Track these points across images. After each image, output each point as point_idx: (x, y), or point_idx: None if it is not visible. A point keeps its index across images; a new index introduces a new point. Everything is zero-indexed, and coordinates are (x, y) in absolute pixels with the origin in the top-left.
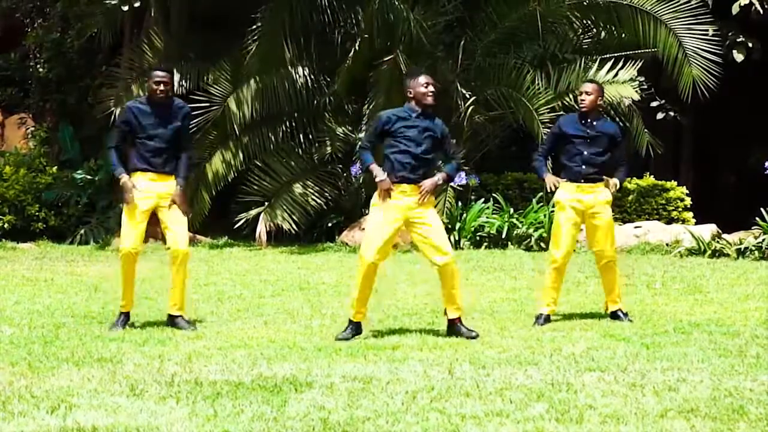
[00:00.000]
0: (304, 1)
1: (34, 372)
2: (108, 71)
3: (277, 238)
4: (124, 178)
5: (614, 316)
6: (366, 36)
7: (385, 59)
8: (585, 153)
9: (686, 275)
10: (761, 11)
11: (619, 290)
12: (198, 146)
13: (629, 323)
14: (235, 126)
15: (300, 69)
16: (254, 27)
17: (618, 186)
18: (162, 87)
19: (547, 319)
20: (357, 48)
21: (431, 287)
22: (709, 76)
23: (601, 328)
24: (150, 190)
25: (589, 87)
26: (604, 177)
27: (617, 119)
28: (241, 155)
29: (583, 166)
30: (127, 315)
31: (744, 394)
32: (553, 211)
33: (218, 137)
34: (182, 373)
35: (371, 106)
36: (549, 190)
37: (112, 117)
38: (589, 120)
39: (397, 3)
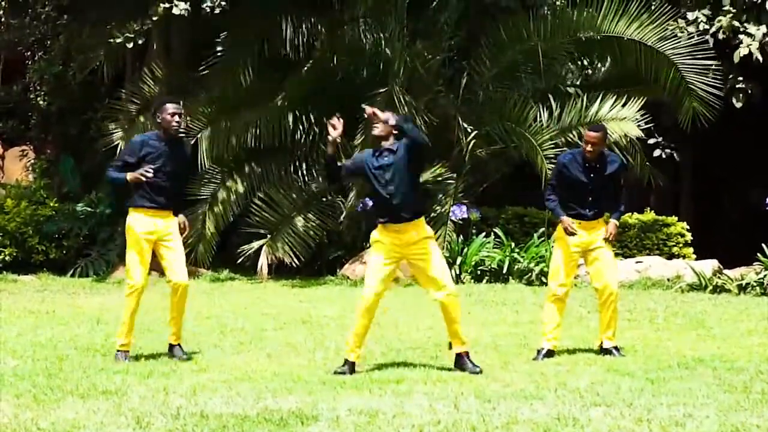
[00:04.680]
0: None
1: (40, 404)
2: (110, 104)
3: (278, 271)
4: (130, 175)
5: (606, 351)
6: (367, 71)
7: (380, 91)
8: (590, 199)
9: (688, 310)
10: (761, 59)
11: (616, 327)
12: (199, 180)
13: (632, 358)
14: (249, 157)
15: (307, 103)
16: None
17: (613, 231)
18: (177, 119)
19: (549, 354)
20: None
21: (433, 320)
22: (710, 108)
23: (605, 363)
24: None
25: (593, 135)
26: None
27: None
28: (242, 188)
29: (587, 210)
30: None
31: (751, 431)
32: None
33: (222, 170)
34: (188, 405)
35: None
36: (567, 232)
37: (118, 149)
38: (596, 165)
39: (393, 40)
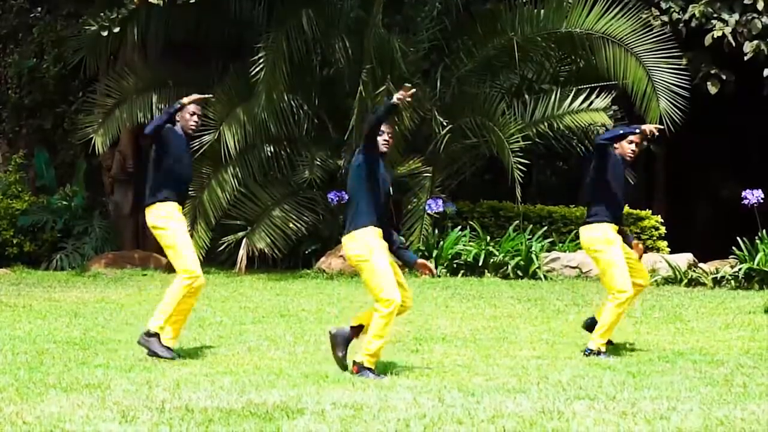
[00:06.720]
0: (298, 30)
1: (23, 398)
2: (85, 97)
3: (254, 264)
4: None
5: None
6: (368, 66)
7: (380, 90)
8: (623, 202)
9: (665, 304)
10: (733, 44)
11: None
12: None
13: (612, 351)
14: (231, 151)
15: (286, 95)
16: (259, 56)
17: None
18: (196, 118)
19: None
20: (363, 80)
21: (410, 314)
22: (676, 110)
23: (585, 356)
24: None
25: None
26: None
27: (590, 147)
28: (232, 181)
29: (619, 213)
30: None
31: (736, 424)
32: (530, 239)
33: (213, 165)
34: (172, 399)
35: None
36: (652, 133)
37: (92, 143)
38: (627, 167)
39: (385, 33)
